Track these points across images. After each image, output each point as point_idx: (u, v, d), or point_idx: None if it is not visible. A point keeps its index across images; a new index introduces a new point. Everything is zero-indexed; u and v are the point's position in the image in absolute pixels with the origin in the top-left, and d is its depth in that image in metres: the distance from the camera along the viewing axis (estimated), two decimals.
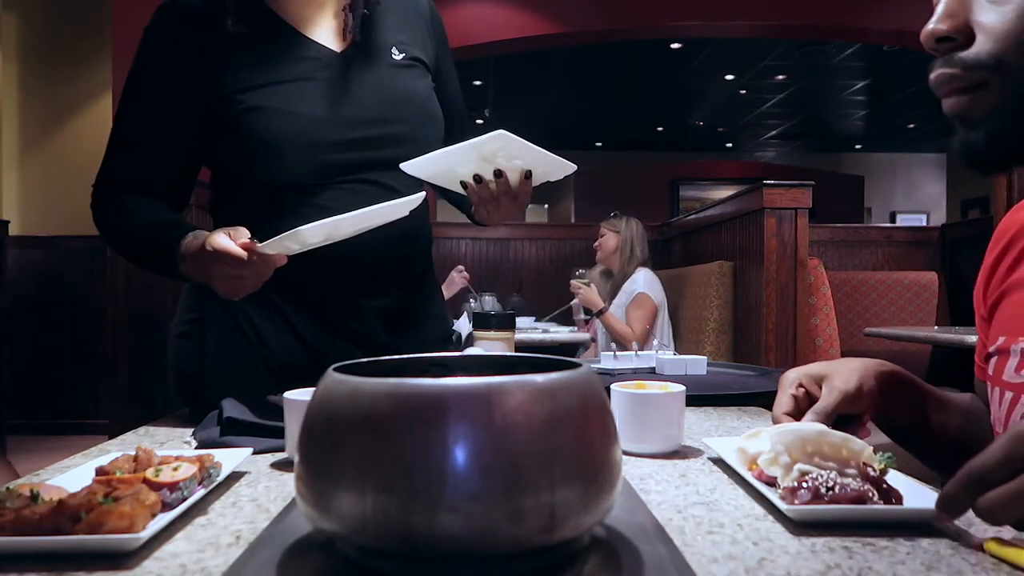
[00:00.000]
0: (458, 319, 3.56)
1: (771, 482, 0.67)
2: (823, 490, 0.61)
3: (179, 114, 1.13)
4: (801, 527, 0.60)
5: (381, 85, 1.17)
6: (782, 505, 0.61)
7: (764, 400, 1.18)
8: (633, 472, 0.78)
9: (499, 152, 1.07)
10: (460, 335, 1.37)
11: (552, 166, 1.10)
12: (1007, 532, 0.58)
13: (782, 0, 5.50)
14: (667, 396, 0.86)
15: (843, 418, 0.81)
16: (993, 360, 0.81)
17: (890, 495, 0.61)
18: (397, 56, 1.20)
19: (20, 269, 4.60)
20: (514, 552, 0.44)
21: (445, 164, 1.10)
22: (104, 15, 4.56)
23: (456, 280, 4.10)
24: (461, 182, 1.13)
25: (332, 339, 1.16)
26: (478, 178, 1.11)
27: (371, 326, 1.18)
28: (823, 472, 0.63)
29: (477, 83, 8.50)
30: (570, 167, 1.11)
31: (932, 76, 0.70)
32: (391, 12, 1.23)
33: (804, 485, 0.61)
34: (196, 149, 1.16)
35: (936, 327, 3.72)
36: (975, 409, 0.89)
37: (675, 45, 7.42)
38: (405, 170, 1.11)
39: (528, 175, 1.11)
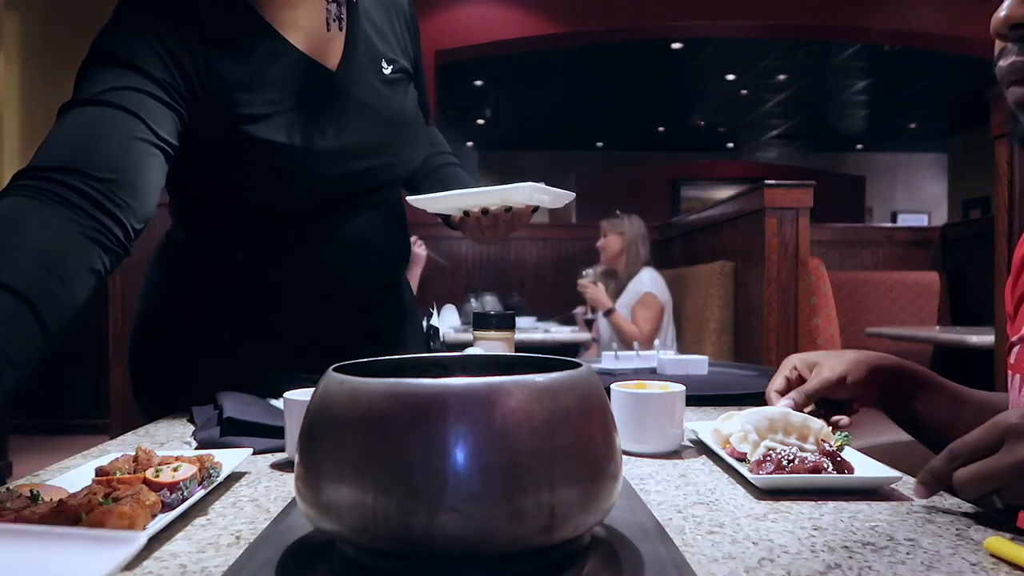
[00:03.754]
0: (439, 313, 3.52)
1: (741, 457, 0.76)
2: (785, 462, 0.71)
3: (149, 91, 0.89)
4: (767, 493, 0.69)
5: (378, 108, 1.11)
6: (750, 476, 0.70)
7: (765, 400, 1.18)
8: (633, 472, 0.78)
9: (523, 197, 1.08)
10: (437, 329, 1.38)
11: (558, 198, 1.12)
12: (1007, 532, 0.58)
13: (783, 0, 5.50)
14: (667, 396, 0.86)
15: (836, 404, 0.89)
16: (1016, 349, 0.83)
17: (843, 466, 0.72)
18: (387, 70, 1.14)
19: None
20: (514, 552, 0.44)
21: (464, 202, 1.11)
22: (104, 15, 4.57)
23: (417, 254, 3.73)
24: (464, 211, 1.13)
25: (306, 351, 1.14)
26: (485, 211, 1.12)
27: (344, 337, 1.17)
28: (785, 447, 0.73)
29: (477, 83, 8.50)
30: (569, 195, 1.14)
31: (1005, 63, 0.70)
32: (374, 9, 1.16)
33: (769, 458, 0.72)
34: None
35: (937, 327, 3.72)
36: (996, 405, 0.89)
37: (676, 45, 7.42)
38: (414, 204, 1.11)
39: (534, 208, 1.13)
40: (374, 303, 1.21)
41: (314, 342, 1.14)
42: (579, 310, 4.08)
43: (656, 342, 3.37)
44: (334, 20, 1.07)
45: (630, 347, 3.35)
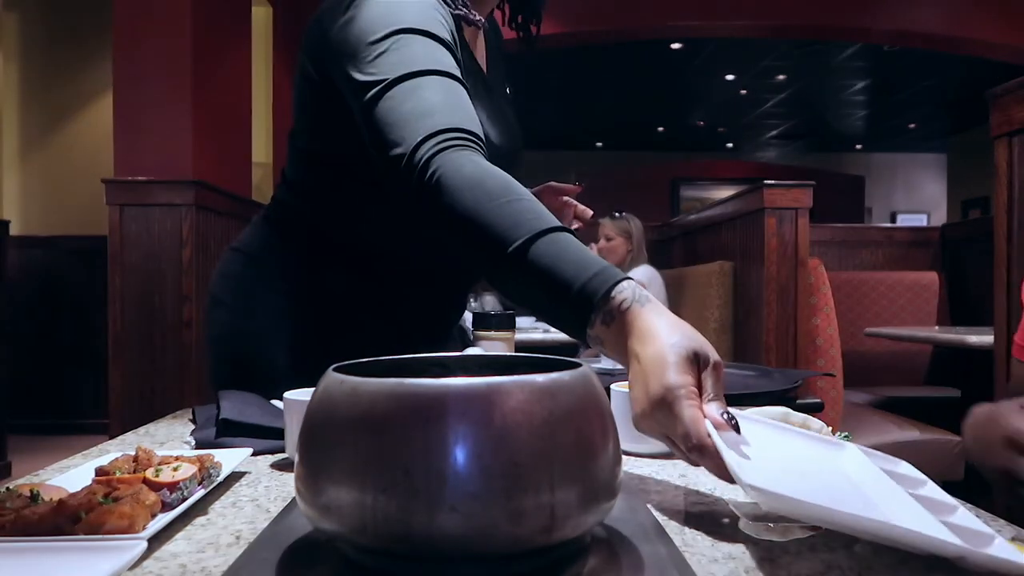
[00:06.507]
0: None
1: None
2: None
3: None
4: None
5: (507, 119, 1.20)
6: None
7: (764, 400, 1.18)
8: (633, 472, 0.78)
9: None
10: (464, 331, 1.42)
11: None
12: (1007, 532, 0.58)
13: (783, 0, 5.50)
14: None
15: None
16: None
17: None
18: (509, 92, 1.26)
19: (20, 269, 4.59)
20: (514, 552, 0.44)
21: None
22: (104, 15, 4.56)
23: None
24: None
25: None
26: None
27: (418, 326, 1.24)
28: None
29: None
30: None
31: None
32: (496, 48, 1.27)
33: None
34: None
35: (937, 327, 3.71)
36: None
37: (675, 45, 7.43)
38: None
39: None
40: (457, 299, 1.29)
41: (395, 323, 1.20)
42: None
43: None
44: (480, 27, 1.16)
45: None
